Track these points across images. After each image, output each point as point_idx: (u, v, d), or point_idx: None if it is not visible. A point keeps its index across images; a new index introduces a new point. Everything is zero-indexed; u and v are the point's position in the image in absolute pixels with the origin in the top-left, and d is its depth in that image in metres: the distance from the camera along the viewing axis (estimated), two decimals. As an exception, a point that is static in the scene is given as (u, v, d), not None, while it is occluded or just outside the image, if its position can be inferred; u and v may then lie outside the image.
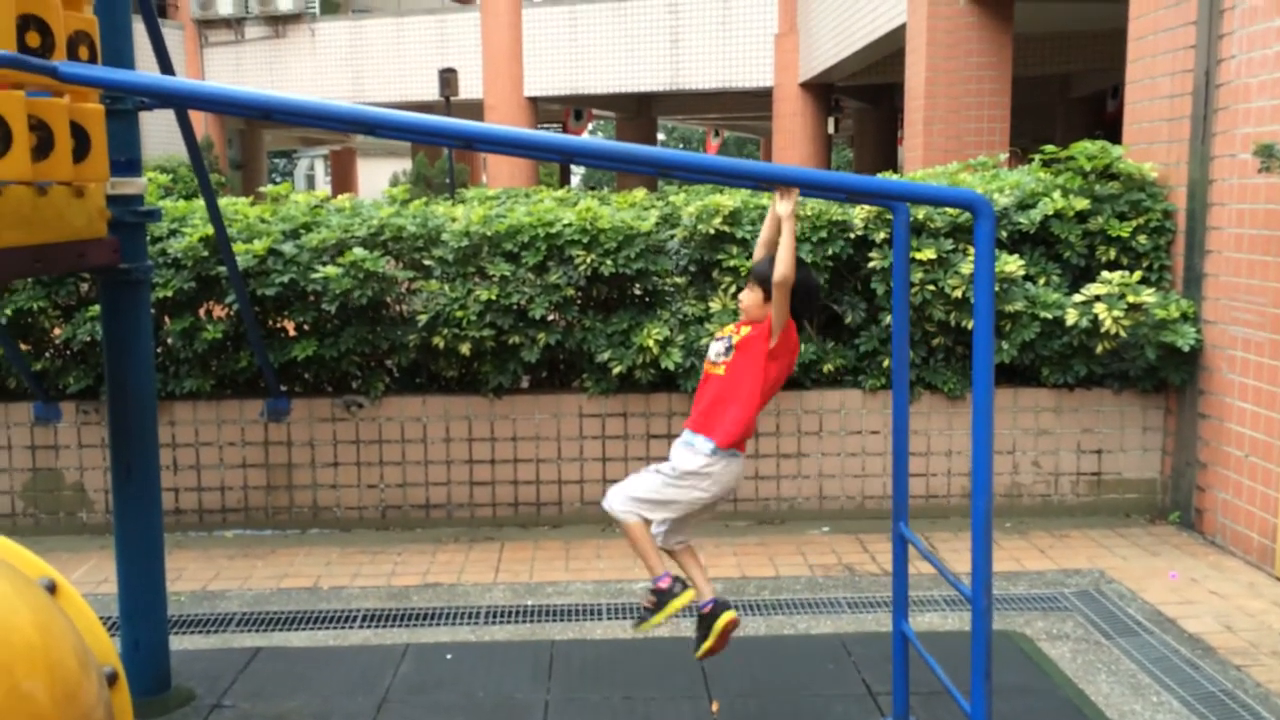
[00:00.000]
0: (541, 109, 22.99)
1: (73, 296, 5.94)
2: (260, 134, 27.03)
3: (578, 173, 38.07)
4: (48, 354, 6.04)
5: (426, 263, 5.95)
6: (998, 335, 5.77)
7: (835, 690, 4.05)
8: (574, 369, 6.15)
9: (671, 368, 5.66)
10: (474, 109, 21.30)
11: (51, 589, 1.42)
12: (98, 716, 1.30)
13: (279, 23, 23.47)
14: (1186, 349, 5.60)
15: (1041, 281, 5.90)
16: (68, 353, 6.02)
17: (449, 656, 4.39)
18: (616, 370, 5.77)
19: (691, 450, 3.44)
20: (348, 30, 23.73)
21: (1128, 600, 4.87)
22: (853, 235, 5.84)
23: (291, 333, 6.06)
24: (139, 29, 3.97)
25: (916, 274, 5.70)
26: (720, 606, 3.50)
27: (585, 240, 5.70)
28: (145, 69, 3.37)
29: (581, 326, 5.87)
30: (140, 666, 3.92)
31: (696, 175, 3.92)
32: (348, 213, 6.15)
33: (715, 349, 3.50)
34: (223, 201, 6.02)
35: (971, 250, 5.66)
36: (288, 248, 5.77)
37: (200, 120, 21.00)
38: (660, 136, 35.83)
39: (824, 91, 19.46)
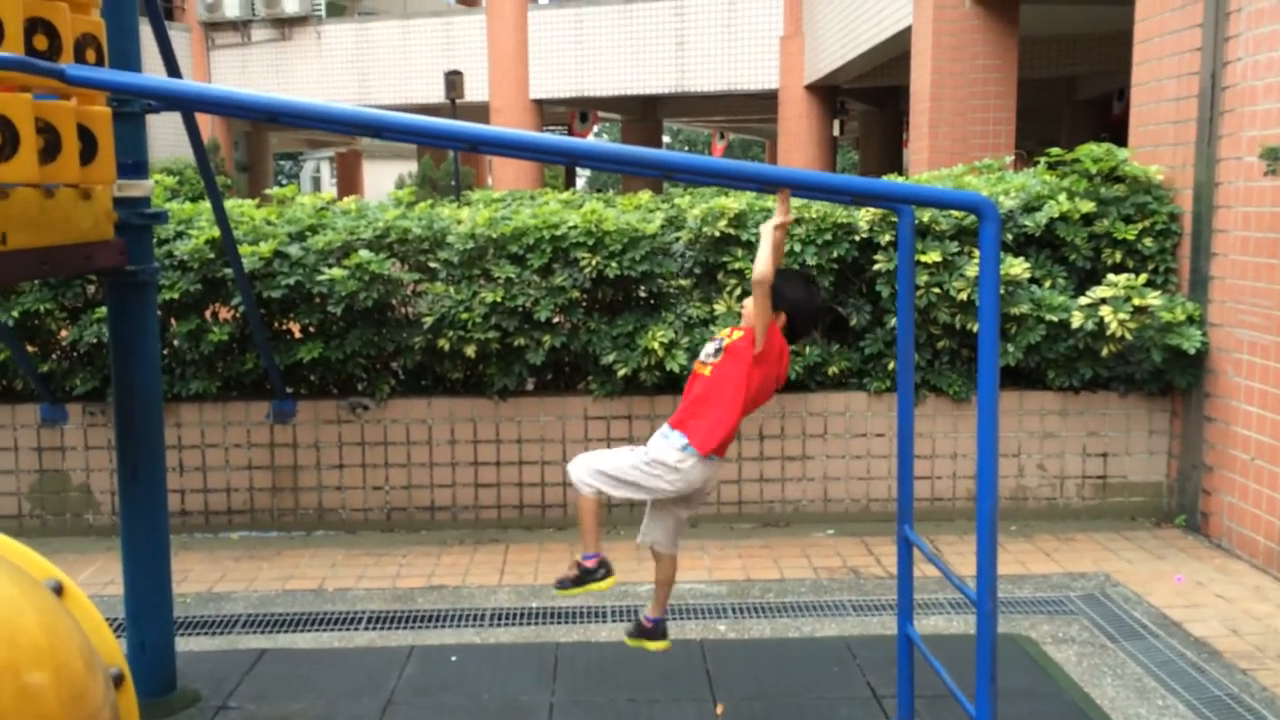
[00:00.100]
0: (547, 111, 23.00)
1: (79, 298, 5.95)
2: (266, 136, 27.10)
3: (583, 175, 38.08)
4: (54, 356, 6.05)
5: (432, 265, 5.95)
6: (1003, 338, 5.76)
7: (840, 693, 4.05)
8: (579, 371, 6.15)
9: (676, 370, 5.66)
10: (479, 111, 21.32)
11: (58, 590, 1.42)
12: (104, 717, 1.31)
13: (285, 25, 23.52)
14: (1192, 352, 5.59)
15: (1047, 284, 5.89)
16: (74, 354, 6.03)
17: (454, 658, 4.39)
18: (621, 372, 5.77)
19: (666, 443, 3.44)
20: (353, 33, 23.78)
21: (1133, 604, 4.86)
22: (858, 238, 5.84)
23: (297, 335, 6.07)
24: (146, 32, 3.98)
25: (922, 276, 5.70)
26: (659, 631, 3.65)
27: (590, 243, 5.70)
28: (152, 72, 3.37)
29: (586, 329, 5.87)
30: (146, 668, 3.93)
31: (701, 178, 3.93)
32: (353, 215, 6.16)
33: (707, 349, 3.51)
34: (229, 204, 6.04)
35: (977, 253, 5.66)
36: (293, 250, 5.78)
37: (206, 123, 21.05)
38: (665, 139, 35.86)
39: (829, 94, 19.45)
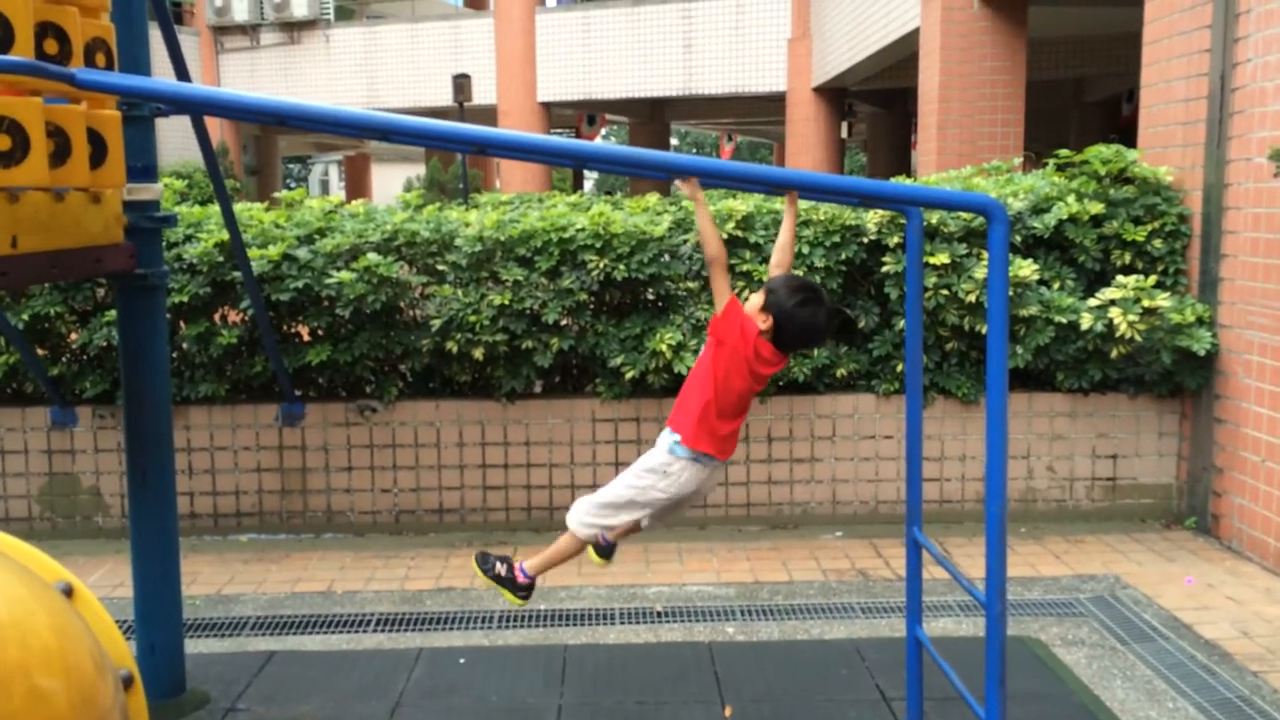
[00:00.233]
0: (555, 114, 23.03)
1: (89, 302, 5.97)
2: (275, 140, 27.19)
3: (591, 178, 38.12)
4: (64, 359, 6.07)
5: (440, 268, 5.96)
6: (1012, 340, 5.75)
7: (849, 695, 4.04)
8: (587, 374, 6.16)
9: (684, 372, 5.65)
10: (488, 114, 21.37)
11: (68, 592, 1.43)
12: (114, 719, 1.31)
13: (294, 29, 23.59)
14: (1202, 353, 5.57)
15: (1056, 286, 5.88)
16: (84, 358, 6.05)
17: (462, 661, 4.39)
18: (629, 375, 5.77)
19: (660, 444, 3.38)
20: (362, 36, 23.85)
21: (1143, 606, 4.84)
22: (866, 240, 5.83)
23: (306, 338, 6.08)
24: (155, 36, 4.00)
25: (930, 278, 5.69)
26: (526, 590, 3.53)
27: (598, 245, 5.70)
28: (161, 75, 3.38)
29: (594, 331, 5.87)
30: (156, 670, 3.94)
31: (709, 180, 3.92)
32: (362, 218, 6.18)
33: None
34: (238, 207, 6.05)
35: (985, 255, 5.65)
36: (302, 253, 5.79)
37: (216, 126, 21.12)
38: (673, 141, 35.87)
39: (837, 96, 19.44)
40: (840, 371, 5.93)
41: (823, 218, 5.79)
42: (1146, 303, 5.56)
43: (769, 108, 22.82)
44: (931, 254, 5.67)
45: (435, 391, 6.15)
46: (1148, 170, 5.98)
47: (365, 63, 23.53)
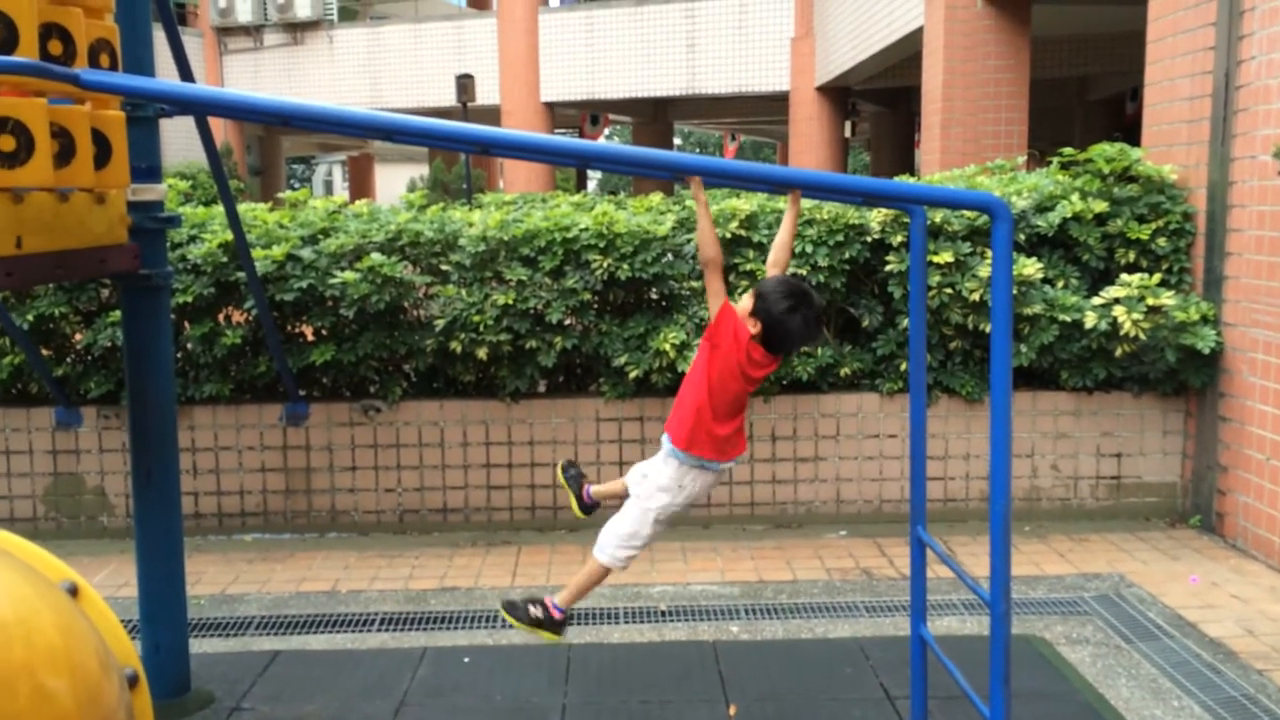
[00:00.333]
0: (558, 114, 23.03)
1: (94, 302, 5.98)
2: (279, 140, 27.21)
3: (594, 177, 38.13)
4: (69, 359, 6.09)
5: (444, 268, 5.97)
6: (1016, 338, 5.74)
7: (853, 694, 4.04)
8: (590, 373, 6.16)
9: (688, 371, 5.66)
10: (491, 114, 21.36)
11: (73, 592, 1.43)
12: (119, 718, 1.31)
13: (297, 30, 23.61)
14: (1206, 352, 5.56)
15: (1060, 284, 5.87)
16: (89, 358, 6.07)
17: (467, 660, 4.40)
18: (633, 374, 5.77)
19: (664, 454, 3.42)
20: (365, 37, 23.85)
21: (1148, 604, 4.84)
22: (870, 239, 5.83)
23: (310, 338, 6.09)
24: (159, 37, 4.00)
25: (934, 277, 5.69)
26: (563, 625, 3.52)
27: (602, 245, 5.71)
28: (165, 76, 3.39)
29: (598, 331, 5.87)
30: (160, 669, 3.95)
31: (712, 179, 3.92)
32: (365, 218, 6.18)
33: None
34: (242, 207, 6.06)
35: (989, 253, 5.65)
36: (306, 253, 5.80)
37: (219, 127, 21.13)
38: (677, 141, 35.85)
39: (840, 95, 19.42)
40: (844, 370, 5.93)
41: (826, 217, 5.79)
42: (1151, 301, 5.55)
43: (772, 107, 22.80)
44: (935, 253, 5.67)
45: (439, 391, 6.15)
46: (1152, 168, 5.97)
47: (368, 63, 23.54)
